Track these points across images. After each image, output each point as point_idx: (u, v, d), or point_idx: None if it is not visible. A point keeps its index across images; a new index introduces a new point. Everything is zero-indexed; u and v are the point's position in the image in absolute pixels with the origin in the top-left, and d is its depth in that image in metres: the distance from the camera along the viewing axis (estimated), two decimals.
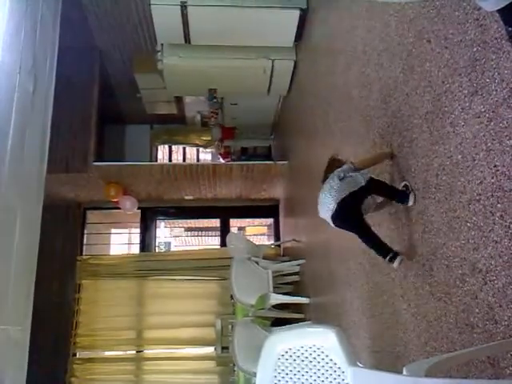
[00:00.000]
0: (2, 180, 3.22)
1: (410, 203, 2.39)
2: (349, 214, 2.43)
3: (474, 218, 1.84)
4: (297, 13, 5.02)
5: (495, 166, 1.72)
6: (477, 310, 1.84)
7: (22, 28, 3.55)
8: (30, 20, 3.69)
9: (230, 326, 6.15)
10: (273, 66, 5.74)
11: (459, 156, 1.95)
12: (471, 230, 1.87)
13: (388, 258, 2.43)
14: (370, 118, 3.04)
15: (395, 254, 2.43)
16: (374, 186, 2.46)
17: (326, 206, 2.41)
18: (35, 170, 3.91)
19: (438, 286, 2.14)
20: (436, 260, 2.15)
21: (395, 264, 2.41)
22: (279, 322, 5.48)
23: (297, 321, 5.32)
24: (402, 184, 2.48)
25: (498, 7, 1.47)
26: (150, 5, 4.90)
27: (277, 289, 5.80)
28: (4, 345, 3.30)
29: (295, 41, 5.41)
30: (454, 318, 2.00)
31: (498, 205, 1.70)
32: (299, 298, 5.39)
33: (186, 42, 5.35)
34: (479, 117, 1.80)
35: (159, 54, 5.70)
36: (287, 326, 5.06)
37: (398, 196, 2.47)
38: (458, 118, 1.95)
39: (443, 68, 2.08)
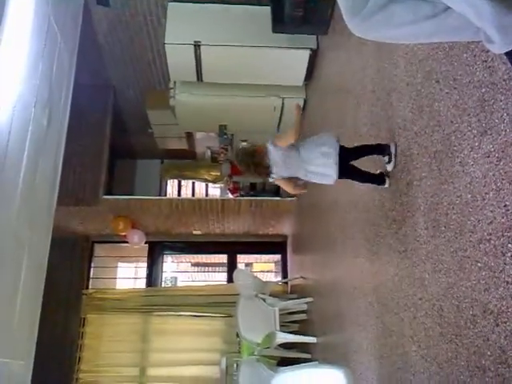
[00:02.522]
0: (13, 211, 3.25)
1: (386, 185, 2.86)
2: (344, 167, 2.79)
3: (485, 258, 1.82)
4: (307, 53, 5.13)
5: (505, 206, 1.71)
6: (488, 353, 1.79)
7: (39, 63, 3.64)
8: (47, 57, 3.79)
9: (235, 365, 6.03)
10: (283, 103, 5.83)
11: (469, 195, 1.94)
12: (482, 270, 1.84)
13: (381, 181, 2.89)
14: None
15: (384, 176, 2.88)
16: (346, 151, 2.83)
17: (330, 170, 2.74)
18: (46, 202, 3.94)
19: (449, 327, 2.10)
20: (446, 300, 2.12)
21: (387, 184, 2.87)
22: (286, 362, 5.36)
23: (303, 361, 5.20)
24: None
25: (506, 50, 1.50)
26: (164, 44, 5.04)
27: (283, 327, 5.71)
28: (6, 379, 3.25)
29: (305, 80, 5.51)
30: (466, 361, 1.95)
31: (509, 245, 1.68)
32: (306, 337, 5.29)
33: (198, 79, 5.47)
34: (488, 156, 1.81)
35: (172, 90, 5.82)
36: (294, 365, 4.96)
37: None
38: (468, 157, 1.96)
39: (452, 108, 2.10)
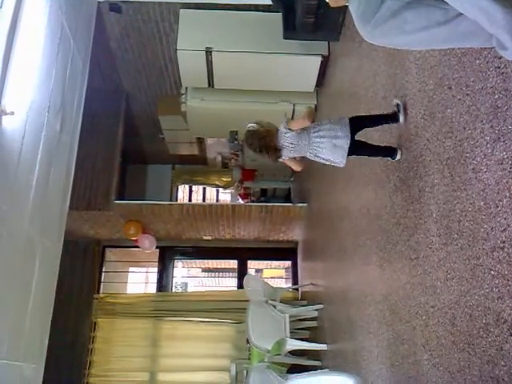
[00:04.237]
0: (25, 215, 3.28)
1: (398, 157, 2.84)
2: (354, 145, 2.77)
3: (498, 266, 1.80)
4: (318, 59, 5.13)
5: None
6: (502, 363, 1.77)
7: (52, 69, 3.68)
8: (60, 62, 3.83)
9: (245, 372, 6.01)
10: (294, 109, 5.82)
11: (482, 202, 1.92)
12: (495, 278, 1.82)
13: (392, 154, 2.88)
14: (391, 162, 3.04)
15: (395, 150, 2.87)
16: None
17: (341, 151, 2.73)
18: (58, 207, 3.97)
19: (461, 336, 2.07)
20: (459, 308, 2.09)
21: (398, 155, 2.84)
22: (296, 369, 5.33)
23: (314, 368, 5.17)
24: (394, 103, 2.86)
25: None
26: (176, 50, 5.08)
27: (294, 334, 5.68)
28: (17, 382, 3.27)
29: (316, 86, 5.51)
30: (478, 371, 1.92)
31: None
32: (317, 344, 5.26)
33: (209, 85, 5.49)
34: (502, 163, 1.79)
35: (183, 96, 5.86)
36: (304, 373, 4.93)
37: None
38: (481, 164, 1.94)
39: (464, 114, 2.08)
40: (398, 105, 2.86)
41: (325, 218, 5.39)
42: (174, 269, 8.45)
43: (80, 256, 7.30)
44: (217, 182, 7.86)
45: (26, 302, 3.37)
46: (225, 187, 7.99)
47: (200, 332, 7.24)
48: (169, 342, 7.28)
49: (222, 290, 8.76)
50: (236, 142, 6.53)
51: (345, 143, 2.72)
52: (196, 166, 8.15)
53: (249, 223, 7.04)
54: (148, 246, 7.09)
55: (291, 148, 2.79)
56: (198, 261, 10.05)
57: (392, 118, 2.89)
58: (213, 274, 11.66)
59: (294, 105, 5.77)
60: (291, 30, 4.66)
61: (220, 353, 7.11)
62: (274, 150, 2.81)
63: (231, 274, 9.56)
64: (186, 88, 5.83)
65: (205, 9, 5.13)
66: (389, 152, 2.92)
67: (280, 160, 2.86)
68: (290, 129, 2.78)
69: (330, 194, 5.02)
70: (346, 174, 4.29)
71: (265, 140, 2.80)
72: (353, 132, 2.76)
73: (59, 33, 3.82)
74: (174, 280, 8.49)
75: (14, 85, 3.01)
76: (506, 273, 1.75)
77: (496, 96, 1.84)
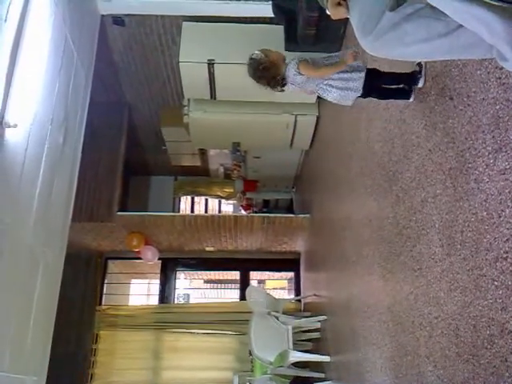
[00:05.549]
0: (27, 227, 3.28)
1: (420, 85, 2.59)
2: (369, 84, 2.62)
3: (502, 277, 1.79)
4: None
5: None
6: (507, 374, 1.75)
7: (56, 82, 3.70)
8: (64, 75, 3.86)
9: None
10: (296, 121, 5.84)
11: (484, 213, 1.92)
12: (499, 288, 1.81)
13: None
14: (393, 172, 3.04)
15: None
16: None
17: (353, 90, 2.57)
18: (60, 219, 3.97)
19: (465, 347, 2.06)
20: (462, 319, 2.08)
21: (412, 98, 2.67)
22: (299, 381, 5.29)
23: (317, 380, 5.13)
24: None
25: None
26: (178, 62, 5.11)
27: (297, 346, 5.65)
28: None
29: (318, 97, 5.52)
30: (483, 382, 1.91)
31: None
32: (320, 356, 5.22)
33: (211, 97, 5.51)
34: (504, 173, 1.79)
35: (185, 108, 5.88)
36: None
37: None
38: (483, 174, 1.94)
39: (466, 125, 2.09)
40: (420, 65, 2.61)
41: (327, 229, 5.38)
42: (176, 280, 8.43)
43: (82, 268, 7.29)
44: (219, 193, 7.86)
45: (28, 314, 3.36)
46: (227, 198, 8.00)
47: (202, 344, 7.20)
48: (171, 355, 7.24)
49: (225, 302, 8.73)
50: (238, 153, 6.55)
51: (354, 95, 2.58)
52: (198, 178, 8.16)
53: (251, 234, 7.03)
54: (150, 257, 7.08)
55: (296, 86, 2.64)
56: (200, 272, 10.03)
57: (411, 79, 2.64)
58: (215, 285, 11.62)
59: (295, 116, 5.79)
60: (293, 41, 4.68)
61: (222, 365, 7.06)
62: (277, 83, 2.66)
63: (233, 285, 9.52)
64: (189, 100, 5.86)
65: (207, 21, 5.17)
66: (411, 80, 2.64)
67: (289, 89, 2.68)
68: (299, 72, 2.58)
69: (333, 204, 5.02)
70: (348, 185, 4.29)
71: (268, 72, 2.63)
72: (366, 87, 2.57)
73: (63, 46, 3.84)
74: (176, 291, 8.47)
75: (17, 97, 3.02)
76: (510, 283, 1.74)
77: (497, 106, 1.85)
